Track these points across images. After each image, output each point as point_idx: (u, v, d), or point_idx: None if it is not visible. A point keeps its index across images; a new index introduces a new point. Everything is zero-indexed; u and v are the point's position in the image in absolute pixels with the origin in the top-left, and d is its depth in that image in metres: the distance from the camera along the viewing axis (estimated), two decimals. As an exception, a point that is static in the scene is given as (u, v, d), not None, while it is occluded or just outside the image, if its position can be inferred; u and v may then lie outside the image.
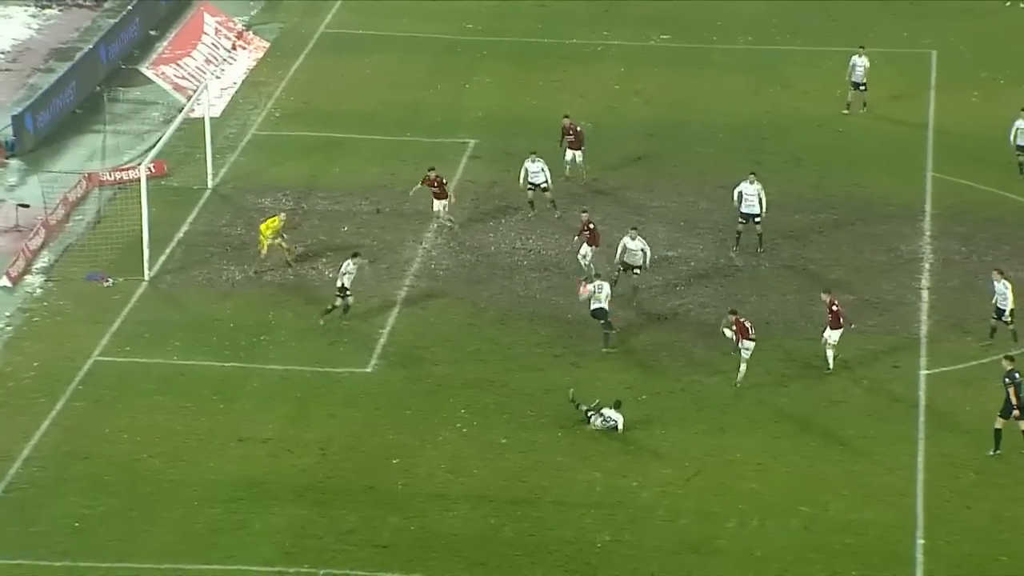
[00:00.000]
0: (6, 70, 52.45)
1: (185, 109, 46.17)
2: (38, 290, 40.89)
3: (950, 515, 33.04)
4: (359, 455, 34.69)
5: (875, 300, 40.46)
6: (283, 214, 42.10)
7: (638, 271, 39.89)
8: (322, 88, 51.59)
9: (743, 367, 36.83)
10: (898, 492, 33.69)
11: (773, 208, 42.60)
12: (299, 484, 33.72)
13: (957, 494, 33.62)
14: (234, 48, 54.10)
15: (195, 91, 47.52)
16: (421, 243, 42.82)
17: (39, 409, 36.03)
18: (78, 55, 51.92)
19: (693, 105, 50.57)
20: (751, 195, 42.21)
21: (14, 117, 47.75)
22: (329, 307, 39.06)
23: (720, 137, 48.59)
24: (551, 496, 33.47)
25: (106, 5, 57.08)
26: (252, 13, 56.90)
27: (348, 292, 38.98)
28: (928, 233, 43.56)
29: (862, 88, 49.12)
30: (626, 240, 39.94)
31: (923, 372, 37.68)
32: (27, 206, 44.22)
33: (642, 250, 39.78)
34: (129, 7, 55.17)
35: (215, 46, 53.70)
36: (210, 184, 45.72)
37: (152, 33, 55.17)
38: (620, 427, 35.16)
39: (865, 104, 49.28)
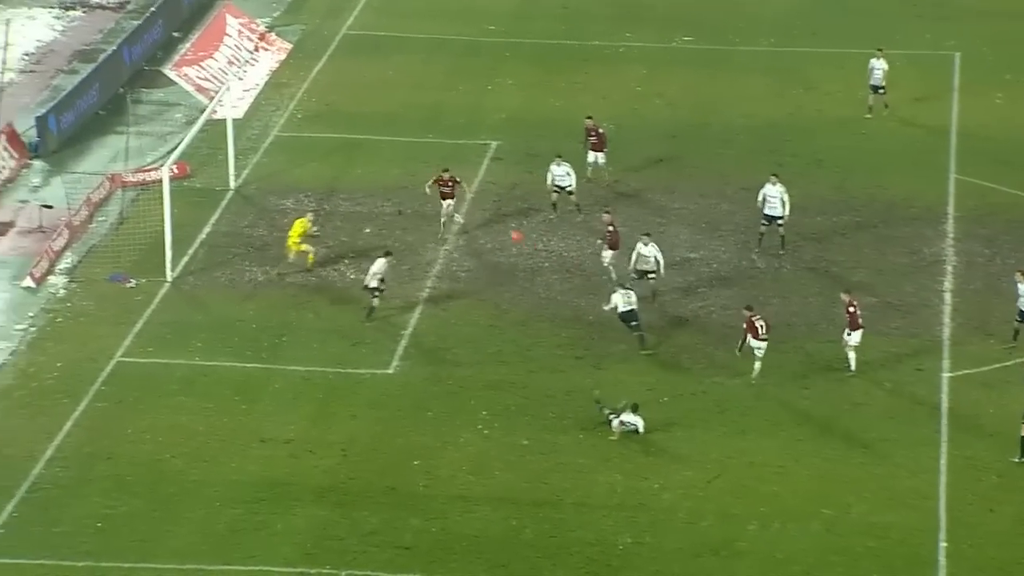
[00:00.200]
0: (30, 71, 52.63)
1: (207, 110, 46.27)
2: (61, 291, 41.02)
3: (973, 518, 32.94)
4: (381, 456, 34.73)
5: (897, 302, 40.37)
6: (310, 215, 42.15)
7: (653, 276, 39.85)
8: (344, 89, 51.65)
9: (757, 365, 36.79)
10: (921, 495, 33.61)
11: (795, 210, 42.52)
12: (321, 485, 33.77)
13: (980, 497, 33.52)
14: (256, 49, 54.20)
15: (217, 92, 47.61)
16: (443, 244, 42.85)
17: (62, 410, 36.15)
18: (101, 57, 52.05)
19: (715, 107, 50.50)
20: (773, 197, 42.15)
21: (38, 118, 47.90)
22: (369, 309, 39.04)
23: (742, 139, 48.52)
24: (572, 498, 33.46)
25: (129, 7, 57.23)
26: (274, 15, 56.99)
27: (379, 292, 39.01)
28: (951, 235, 43.43)
29: (880, 91, 49.01)
30: (639, 246, 39.90)
31: (946, 375, 37.58)
32: (50, 207, 44.36)
33: (655, 257, 39.72)
34: (152, 9, 55.30)
35: (238, 48, 53.81)
36: (232, 185, 45.81)
37: (175, 35, 55.30)
38: (641, 430, 35.14)
39: (887, 106, 49.14)
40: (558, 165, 43.70)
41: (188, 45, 53.76)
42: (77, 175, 46.55)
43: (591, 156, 45.25)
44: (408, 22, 56.02)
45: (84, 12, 57.01)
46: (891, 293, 40.72)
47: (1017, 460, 34.31)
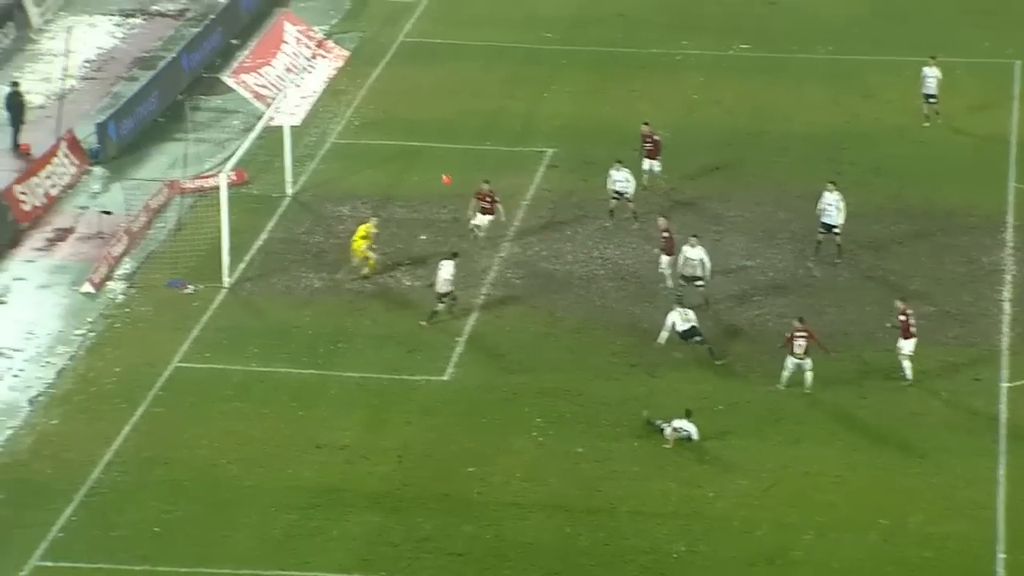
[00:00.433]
0: (91, 78, 53.07)
1: (265, 117, 46.51)
2: (120, 296, 41.33)
3: (1031, 529, 32.71)
4: (435, 463, 34.80)
5: (955, 312, 40.10)
6: (374, 219, 42.20)
7: (700, 284, 39.63)
8: (401, 97, 51.82)
9: (808, 375, 36.59)
10: (978, 505, 33.36)
11: (852, 218, 42.33)
12: (375, 491, 33.87)
13: (1038, 508, 33.28)
14: (314, 57, 54.43)
15: (275, 99, 47.87)
16: (497, 252, 42.90)
17: (120, 414, 36.42)
18: (161, 64, 52.44)
19: (772, 115, 50.33)
20: (830, 204, 41.97)
21: (98, 125, 48.30)
22: (443, 309, 39.21)
23: (799, 147, 48.33)
24: (627, 506, 33.42)
25: (189, 15, 57.64)
26: (332, 22, 57.25)
27: (450, 298, 39.11)
28: (1010, 244, 43.10)
29: (932, 100, 48.71)
30: (685, 248, 39.73)
31: (1004, 385, 37.29)
32: (110, 213, 44.72)
33: (701, 260, 39.49)
34: (211, 16, 55.68)
35: (295, 55, 54.04)
36: (289, 192, 46.04)
37: (234, 42, 55.64)
38: (694, 436, 35.04)
39: (937, 114, 48.85)
40: (618, 170, 43.64)
41: (246, 52, 54.05)
42: (136, 181, 46.89)
43: (646, 164, 45.17)
44: (465, 30, 56.14)
45: (144, 20, 57.44)
46: (949, 302, 40.46)
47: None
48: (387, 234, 43.58)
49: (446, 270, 39.36)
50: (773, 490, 33.84)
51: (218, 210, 41.80)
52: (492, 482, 34.15)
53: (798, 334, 36.55)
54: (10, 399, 37.05)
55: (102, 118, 48.73)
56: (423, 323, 39.33)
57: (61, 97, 49.75)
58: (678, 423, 35.06)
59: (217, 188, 42.44)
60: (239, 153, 44.13)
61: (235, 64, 53.38)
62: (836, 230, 42.08)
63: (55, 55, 52.93)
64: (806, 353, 36.46)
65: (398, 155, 48.26)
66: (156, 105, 50.62)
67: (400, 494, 33.79)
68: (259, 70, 52.70)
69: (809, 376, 36.68)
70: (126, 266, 42.64)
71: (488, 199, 42.63)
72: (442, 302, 39.39)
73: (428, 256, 41.94)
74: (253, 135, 45.15)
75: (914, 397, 36.84)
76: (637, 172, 44.61)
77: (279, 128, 46.37)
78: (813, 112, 50.35)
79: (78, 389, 37.49)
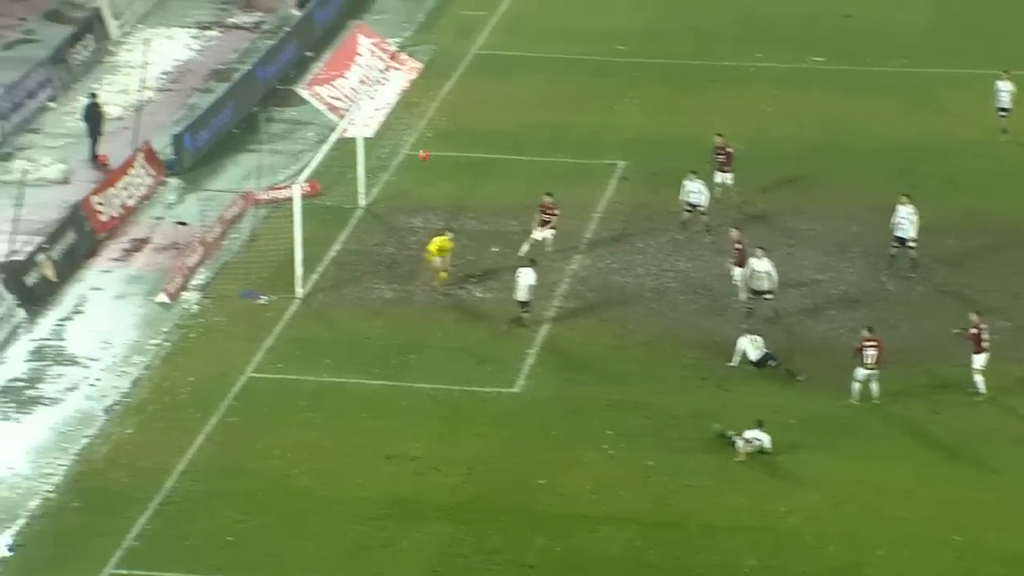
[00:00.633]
0: (167, 90, 53.58)
1: (338, 129, 46.79)
2: (195, 306, 41.68)
3: (1107, 548, 32.35)
4: (505, 475, 34.86)
5: (1031, 327, 39.77)
6: (450, 234, 42.28)
7: (769, 295, 39.50)
8: (473, 109, 51.97)
9: (875, 385, 36.36)
10: (1053, 523, 33.08)
11: (927, 232, 42.05)
12: (446, 502, 33.97)
13: (1114, 526, 32.91)
14: (387, 69, 54.67)
15: (348, 111, 48.15)
16: (568, 264, 42.93)
17: (194, 424, 36.72)
18: (236, 76, 52.88)
19: (846, 127, 50.09)
20: (903, 218, 41.74)
21: (174, 136, 48.76)
22: (517, 319, 39.38)
23: (873, 160, 48.07)
24: (698, 520, 33.34)
25: (264, 27, 58.09)
26: (405, 35, 57.49)
27: (527, 305, 39.22)
28: (1087, 260, 42.72)
29: (1003, 114, 48.31)
30: (752, 261, 39.60)
31: (1080, 401, 36.94)
32: (185, 224, 45.14)
33: (767, 272, 39.35)
34: (286, 29, 56.08)
35: (369, 67, 54.28)
36: (362, 203, 46.28)
37: (308, 55, 56.01)
38: (767, 446, 34.90)
39: (1006, 130, 48.44)
40: (691, 181, 43.57)
41: (320, 65, 54.39)
42: (211, 192, 47.29)
43: (718, 176, 45.06)
44: (537, 43, 56.23)
45: (220, 32, 57.94)
46: (1025, 317, 40.14)
47: None
48: (458, 246, 43.66)
49: (527, 277, 39.45)
50: (845, 505, 33.66)
51: (291, 221, 42.08)
52: (562, 494, 34.17)
53: (868, 343, 36.37)
54: (86, 408, 37.46)
55: (178, 130, 49.17)
56: (504, 325, 39.38)
57: (138, 109, 50.24)
58: (750, 434, 34.95)
59: (291, 199, 42.73)
60: (313, 164, 44.42)
61: (309, 76, 53.70)
62: (910, 244, 41.82)
63: (133, 67, 53.46)
64: (876, 363, 36.27)
65: (470, 167, 48.39)
66: (231, 117, 51.02)
67: (470, 506, 33.87)
68: (333, 82, 52.99)
69: (875, 387, 36.46)
70: (201, 277, 42.99)
71: (549, 211, 42.64)
72: (524, 311, 39.51)
73: (499, 268, 42.03)
74: (326, 147, 45.43)
75: (988, 413, 36.53)
76: (710, 184, 44.52)
77: (352, 140, 46.61)
78: (886, 125, 50.06)
79: (153, 399, 37.83)
